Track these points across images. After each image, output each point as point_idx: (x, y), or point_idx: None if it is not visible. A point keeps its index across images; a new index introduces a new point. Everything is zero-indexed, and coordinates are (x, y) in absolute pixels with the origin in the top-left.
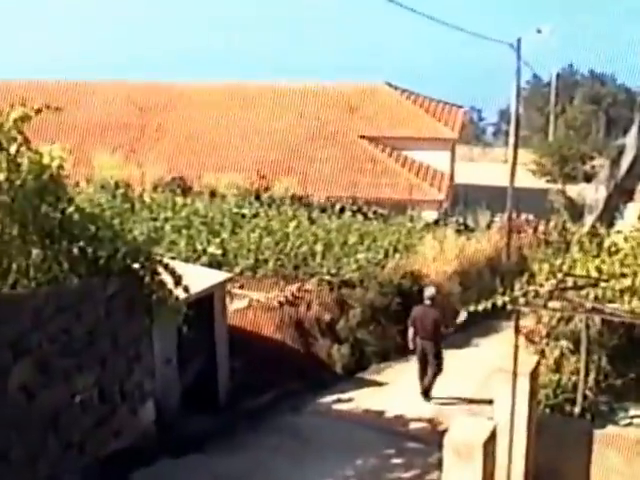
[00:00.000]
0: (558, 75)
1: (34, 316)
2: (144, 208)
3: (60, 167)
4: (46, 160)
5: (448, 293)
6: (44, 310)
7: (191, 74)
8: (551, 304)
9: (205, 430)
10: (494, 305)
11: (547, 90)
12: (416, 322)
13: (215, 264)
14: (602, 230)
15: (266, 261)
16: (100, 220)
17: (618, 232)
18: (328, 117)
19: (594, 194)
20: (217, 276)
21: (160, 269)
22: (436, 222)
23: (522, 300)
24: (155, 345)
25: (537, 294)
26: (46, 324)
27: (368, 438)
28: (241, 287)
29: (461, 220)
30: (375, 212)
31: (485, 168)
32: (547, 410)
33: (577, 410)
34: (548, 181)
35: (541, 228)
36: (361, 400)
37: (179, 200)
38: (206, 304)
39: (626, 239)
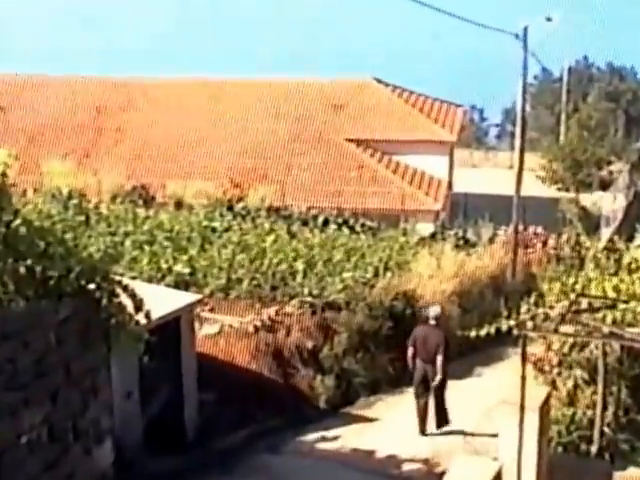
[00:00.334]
0: (570, 69)
1: None
2: (101, 221)
3: (4, 174)
4: None
5: (446, 316)
6: None
7: (155, 70)
8: (563, 329)
9: (171, 471)
10: (498, 330)
11: (558, 86)
12: (417, 343)
13: (182, 284)
14: (621, 244)
15: (240, 281)
16: (50, 235)
17: (639, 246)
18: (309, 117)
19: (612, 204)
20: (184, 298)
21: (119, 290)
22: (432, 236)
23: (530, 324)
24: (114, 376)
25: (547, 317)
26: None
27: None
28: (211, 310)
29: (460, 233)
30: (363, 225)
31: (488, 174)
32: (560, 449)
33: (594, 449)
34: (559, 189)
35: (551, 242)
36: (348, 438)
37: (141, 212)
38: (172, 330)
39: None
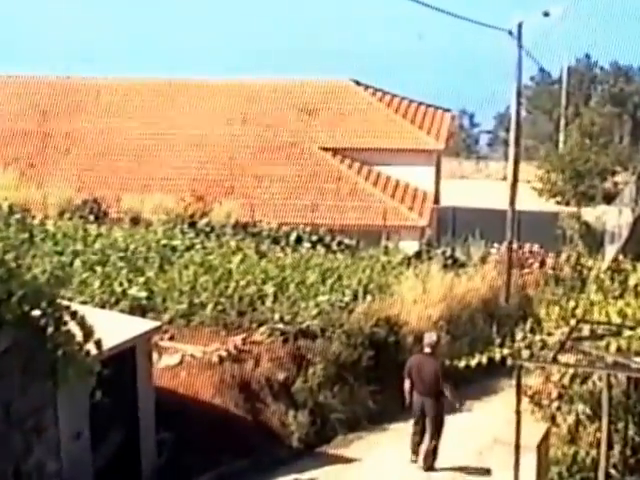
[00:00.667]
0: (570, 69)
1: None
2: (47, 239)
3: None
4: None
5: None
6: None
7: (109, 70)
8: (562, 358)
9: None
10: (491, 359)
11: (557, 88)
12: (412, 374)
13: (138, 310)
14: (627, 264)
15: (203, 306)
16: None
17: None
18: (281, 123)
19: (617, 218)
20: (140, 325)
21: (67, 317)
22: (417, 255)
23: (526, 353)
24: (61, 415)
25: (544, 345)
26: None
27: None
28: (171, 339)
29: (449, 252)
30: (340, 243)
31: (479, 186)
32: None
33: None
34: (559, 202)
35: (550, 262)
36: None
37: (92, 229)
38: (127, 361)
39: None
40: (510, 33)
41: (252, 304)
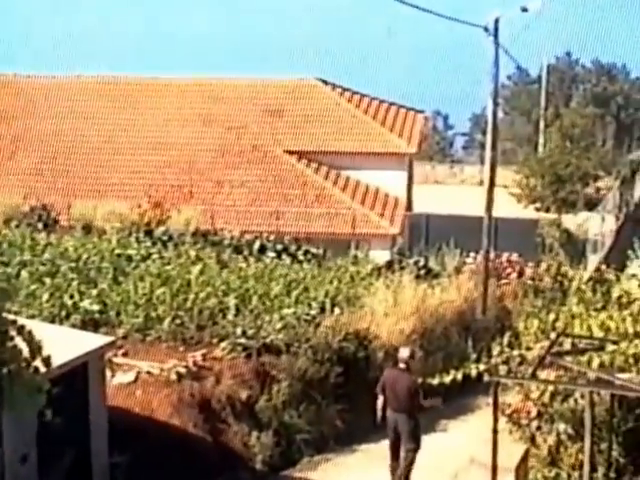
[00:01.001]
0: (550, 67)
1: None
2: None
3: None
4: None
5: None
6: None
7: (59, 68)
8: (542, 374)
9: None
10: (466, 376)
11: (536, 87)
12: (386, 389)
13: (90, 324)
14: (610, 274)
15: (160, 319)
16: None
17: (632, 277)
18: (243, 125)
19: (599, 226)
20: (93, 341)
21: (13, 332)
22: (388, 265)
23: (503, 369)
24: (5, 437)
25: (523, 360)
26: None
27: None
28: (125, 355)
29: (421, 262)
30: (307, 252)
31: (454, 192)
32: None
33: None
34: (538, 209)
35: (528, 272)
36: None
37: (41, 237)
38: (78, 379)
39: None
40: (486, 29)
41: (213, 317)
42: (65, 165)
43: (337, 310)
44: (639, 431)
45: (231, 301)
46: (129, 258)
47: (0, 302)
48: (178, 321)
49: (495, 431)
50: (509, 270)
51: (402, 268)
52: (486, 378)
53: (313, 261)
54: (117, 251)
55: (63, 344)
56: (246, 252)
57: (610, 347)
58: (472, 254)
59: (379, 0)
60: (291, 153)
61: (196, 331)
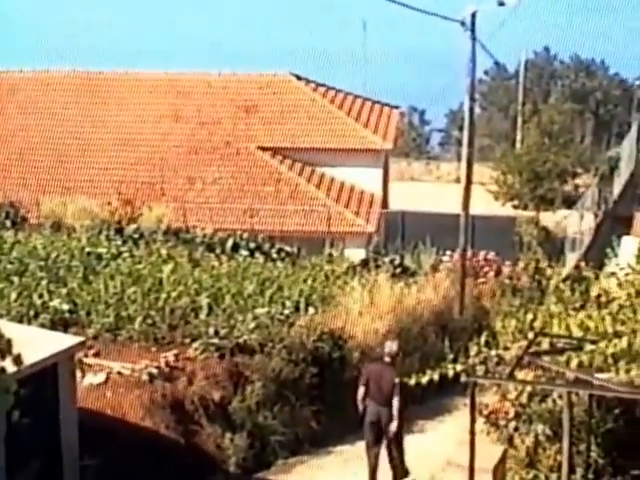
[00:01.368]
0: (528, 63)
1: None
2: None
3: None
4: None
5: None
6: None
7: (25, 61)
8: (520, 374)
9: None
10: (443, 376)
11: (513, 83)
12: (369, 382)
13: (60, 324)
14: (589, 273)
15: (131, 319)
16: None
17: (611, 275)
18: (215, 121)
19: (578, 224)
20: (63, 341)
21: None
22: (364, 263)
23: (481, 369)
24: None
25: (501, 360)
26: None
27: None
28: (96, 355)
29: (397, 260)
30: (280, 250)
31: (430, 189)
32: None
33: None
34: (516, 206)
35: (506, 270)
36: None
37: (8, 235)
38: (48, 380)
39: (621, 285)
40: (463, 24)
41: (185, 317)
42: (33, 162)
43: (312, 309)
44: (618, 432)
45: (203, 300)
46: (99, 257)
47: None
48: (150, 321)
49: (472, 432)
50: (486, 269)
51: (378, 267)
52: (463, 378)
53: (287, 259)
54: (87, 249)
55: (32, 344)
56: (219, 250)
57: (589, 347)
58: (449, 252)
59: None
60: (265, 149)
61: (168, 331)
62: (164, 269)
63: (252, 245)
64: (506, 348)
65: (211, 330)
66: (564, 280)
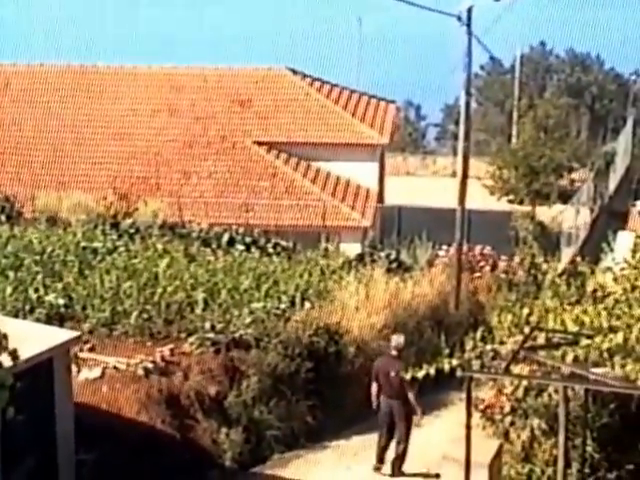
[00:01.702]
0: (524, 57)
1: None
2: None
3: None
4: None
5: (376, 354)
6: None
7: (19, 55)
8: (515, 369)
9: None
10: (439, 371)
11: (509, 78)
12: (379, 376)
13: (56, 318)
14: (584, 267)
15: (127, 314)
16: None
17: (606, 270)
18: (210, 115)
19: (574, 219)
20: (58, 335)
21: None
22: (360, 258)
23: (476, 364)
24: None
25: (496, 355)
26: None
27: None
28: (92, 350)
29: (393, 255)
30: (276, 245)
31: (426, 184)
32: None
33: None
34: (511, 201)
35: (502, 265)
36: None
37: (3, 230)
38: (43, 375)
39: (616, 280)
40: (459, 18)
41: (180, 312)
42: (28, 156)
43: (307, 304)
44: (613, 426)
45: (199, 295)
46: (95, 251)
47: None
48: (145, 315)
49: (468, 427)
50: (482, 263)
51: (373, 261)
52: (459, 373)
53: (283, 254)
54: (83, 244)
55: (27, 339)
56: (214, 245)
57: (584, 341)
58: (445, 247)
59: None
60: (260, 144)
61: (164, 326)
62: (160, 264)
63: (248, 240)
64: (502, 343)
65: (207, 325)
66: (560, 275)
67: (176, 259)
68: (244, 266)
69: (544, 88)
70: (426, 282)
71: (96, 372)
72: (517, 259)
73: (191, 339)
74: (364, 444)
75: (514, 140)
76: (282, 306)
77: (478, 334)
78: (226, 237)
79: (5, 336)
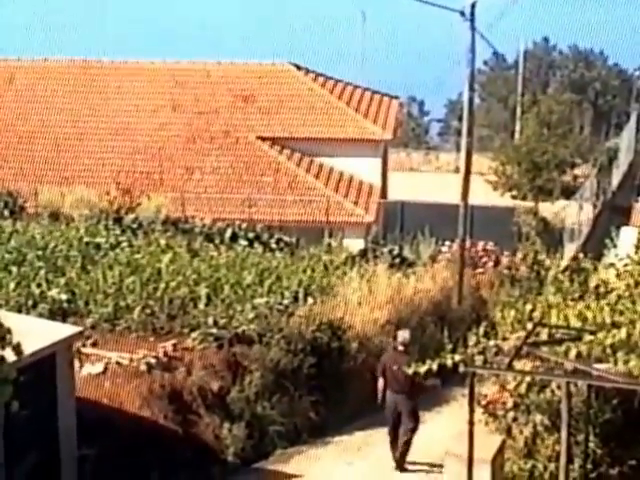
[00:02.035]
0: (527, 53)
1: None
2: None
3: None
4: None
5: (379, 350)
6: None
7: (23, 50)
8: (518, 365)
9: None
10: (442, 366)
11: (512, 73)
12: (386, 371)
13: (58, 313)
14: (587, 263)
15: (129, 309)
16: None
17: (609, 265)
18: (214, 111)
19: (577, 215)
20: (61, 330)
21: None
22: (362, 253)
23: (479, 359)
24: None
25: (499, 351)
26: None
27: None
28: (94, 345)
29: (396, 250)
30: (279, 241)
31: (429, 180)
32: None
33: None
34: (514, 197)
35: (505, 261)
36: None
37: (6, 225)
38: (46, 370)
39: (619, 275)
40: (462, 14)
41: (183, 307)
42: (31, 151)
43: (310, 300)
44: (616, 422)
45: (202, 290)
46: (98, 246)
47: None
48: (148, 311)
49: (471, 422)
50: (485, 259)
51: (376, 257)
52: (462, 369)
53: (286, 250)
54: (85, 239)
55: (30, 334)
56: (217, 240)
57: (587, 337)
58: (447, 243)
59: None
60: (263, 139)
61: (166, 321)
62: (163, 259)
63: (251, 235)
64: (505, 338)
65: (210, 320)
66: (563, 271)
67: (179, 254)
68: (247, 261)
69: (547, 84)
70: (429, 278)
71: (99, 367)
72: (520, 255)
73: (194, 334)
74: (367, 440)
75: (517, 136)
76: (285, 301)
77: (481, 330)
78: (229, 232)
79: (9, 330)
